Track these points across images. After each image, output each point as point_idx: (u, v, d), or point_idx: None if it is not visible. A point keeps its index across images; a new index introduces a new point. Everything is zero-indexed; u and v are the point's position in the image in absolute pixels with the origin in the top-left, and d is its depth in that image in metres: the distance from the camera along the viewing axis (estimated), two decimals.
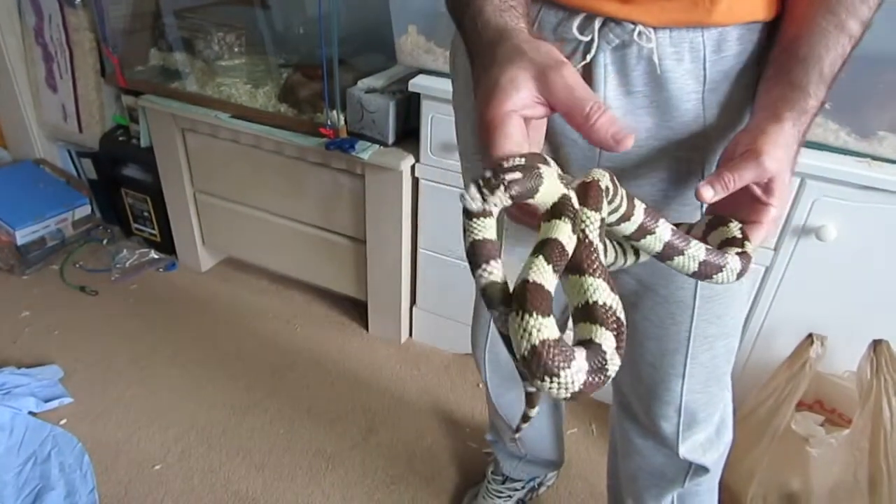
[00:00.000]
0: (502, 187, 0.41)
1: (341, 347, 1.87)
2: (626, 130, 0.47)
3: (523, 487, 1.37)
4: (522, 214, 0.50)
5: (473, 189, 0.41)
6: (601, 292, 0.43)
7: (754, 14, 0.63)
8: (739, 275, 0.55)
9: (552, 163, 0.50)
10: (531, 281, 0.41)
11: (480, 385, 1.73)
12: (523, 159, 0.46)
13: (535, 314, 0.40)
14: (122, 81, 1.90)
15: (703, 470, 0.92)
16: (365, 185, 1.63)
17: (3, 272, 2.12)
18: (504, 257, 0.46)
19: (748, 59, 0.66)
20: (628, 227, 0.52)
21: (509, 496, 1.36)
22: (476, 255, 0.45)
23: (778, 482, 1.30)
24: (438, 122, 1.46)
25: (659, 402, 0.87)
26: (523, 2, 0.58)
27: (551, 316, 0.40)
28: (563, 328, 0.65)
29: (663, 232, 0.53)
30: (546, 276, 0.42)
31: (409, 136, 1.58)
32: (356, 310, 1.98)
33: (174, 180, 1.99)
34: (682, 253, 0.53)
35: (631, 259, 0.62)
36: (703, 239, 0.58)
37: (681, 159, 0.69)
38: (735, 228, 0.57)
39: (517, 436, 0.50)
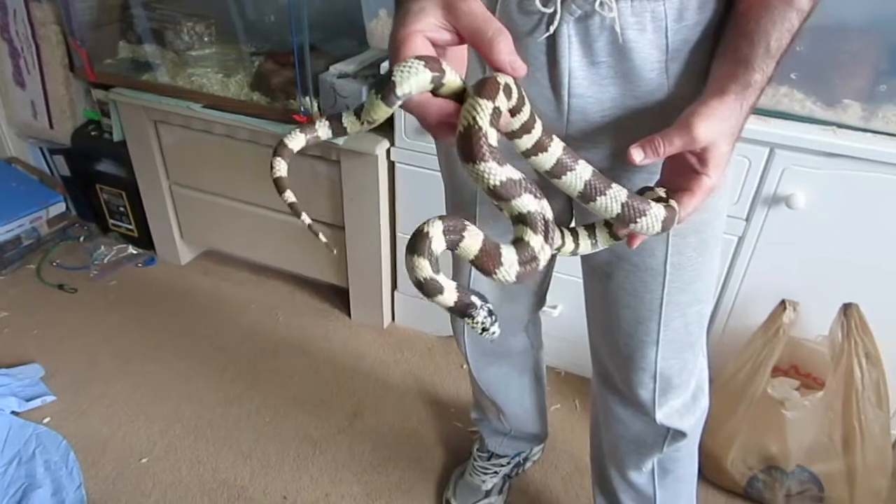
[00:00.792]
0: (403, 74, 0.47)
1: (325, 335, 1.88)
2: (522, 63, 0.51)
3: (509, 463, 1.39)
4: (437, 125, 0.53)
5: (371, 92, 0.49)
6: (525, 201, 0.49)
7: None
8: (665, 225, 0.57)
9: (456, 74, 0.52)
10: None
11: (464, 366, 1.74)
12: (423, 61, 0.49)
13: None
14: (91, 75, 1.88)
15: (680, 435, 0.95)
16: (341, 171, 1.63)
17: None
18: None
19: (708, 28, 0.67)
20: (547, 161, 0.54)
21: (495, 472, 1.38)
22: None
23: (757, 445, 1.34)
24: None
25: (635, 369, 0.89)
26: None
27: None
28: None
29: (583, 171, 0.55)
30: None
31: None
32: (338, 297, 1.98)
33: (149, 174, 1.98)
34: (603, 193, 0.55)
35: (586, 244, 0.65)
36: None
37: (646, 128, 0.70)
38: (660, 191, 0.61)
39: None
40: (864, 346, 1.22)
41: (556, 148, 0.54)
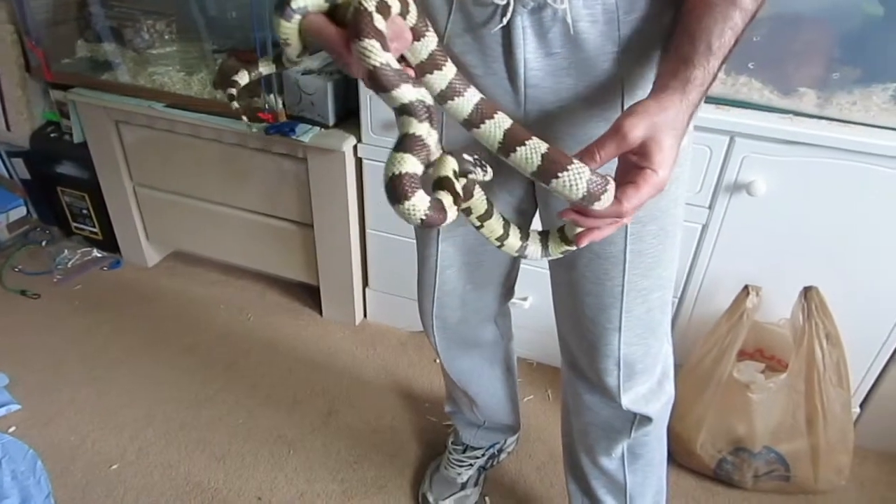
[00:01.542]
0: None
1: (296, 333, 1.86)
2: None
3: (483, 455, 1.40)
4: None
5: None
6: (405, 91, 0.51)
7: None
8: (591, 188, 0.54)
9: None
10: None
11: (437, 360, 1.75)
12: None
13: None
14: (48, 75, 1.83)
15: (647, 420, 0.96)
16: (308, 168, 1.62)
17: None
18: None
19: (660, 20, 0.68)
20: (440, 83, 0.56)
21: (470, 465, 1.39)
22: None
23: (725, 428, 1.36)
24: (378, 101, 1.46)
25: (600, 356, 0.90)
26: None
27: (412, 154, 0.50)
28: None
29: (472, 96, 0.57)
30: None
31: (349, 116, 1.57)
32: (309, 295, 1.97)
33: (112, 175, 1.94)
34: (491, 118, 0.56)
35: (535, 247, 0.67)
36: None
37: (602, 118, 0.71)
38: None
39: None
40: (825, 328, 1.26)
41: (450, 71, 0.56)
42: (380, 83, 0.49)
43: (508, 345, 1.23)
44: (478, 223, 0.68)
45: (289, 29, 0.53)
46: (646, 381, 0.93)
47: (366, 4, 0.48)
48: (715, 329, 1.35)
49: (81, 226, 2.16)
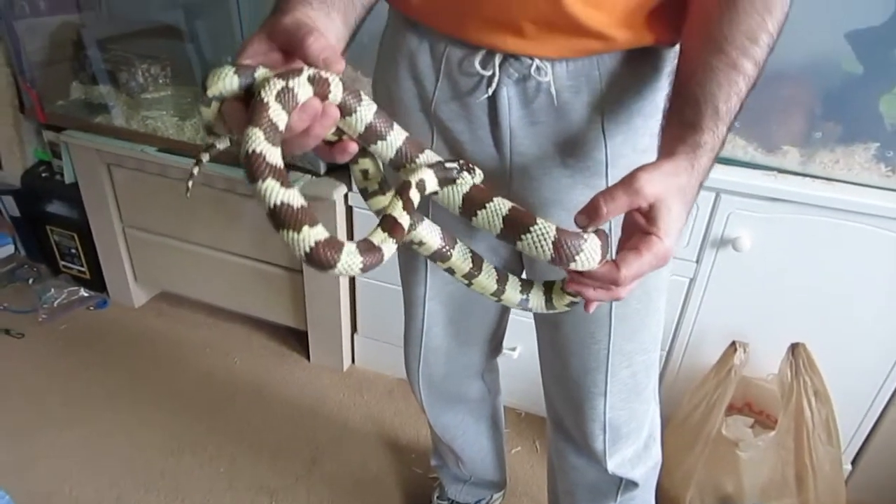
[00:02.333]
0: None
1: (283, 378, 1.84)
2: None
3: None
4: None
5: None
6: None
7: (642, 39, 0.65)
8: (561, 252, 0.52)
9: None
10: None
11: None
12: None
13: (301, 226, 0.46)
14: (41, 117, 1.84)
15: (632, 485, 0.95)
16: None
17: None
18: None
19: (645, 89, 0.69)
20: (387, 150, 0.56)
21: None
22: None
23: (713, 485, 1.35)
24: None
25: (586, 419, 0.89)
26: None
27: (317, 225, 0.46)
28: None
29: (397, 137, 0.56)
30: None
31: (340, 165, 1.57)
32: (296, 339, 1.95)
33: (102, 216, 1.94)
34: (483, 207, 0.54)
35: (514, 293, 0.65)
36: None
37: (587, 185, 0.72)
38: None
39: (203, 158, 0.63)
40: (813, 385, 1.25)
41: (396, 138, 0.56)
42: (248, 171, 0.47)
43: (495, 400, 1.21)
44: (465, 282, 0.65)
45: (208, 114, 0.53)
46: (632, 444, 0.92)
47: (252, 147, 0.46)
48: (703, 384, 1.34)
49: (69, 264, 2.14)
